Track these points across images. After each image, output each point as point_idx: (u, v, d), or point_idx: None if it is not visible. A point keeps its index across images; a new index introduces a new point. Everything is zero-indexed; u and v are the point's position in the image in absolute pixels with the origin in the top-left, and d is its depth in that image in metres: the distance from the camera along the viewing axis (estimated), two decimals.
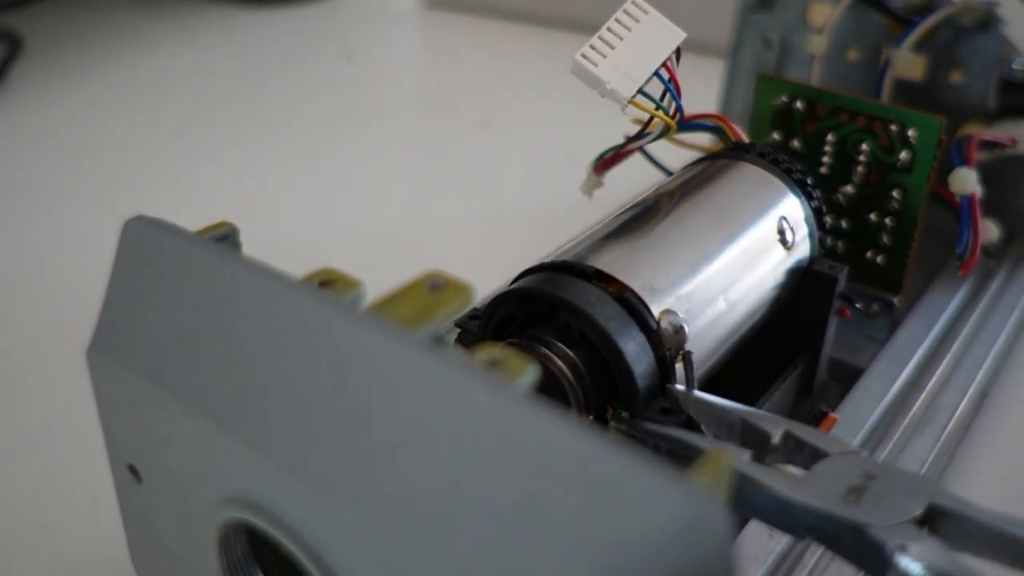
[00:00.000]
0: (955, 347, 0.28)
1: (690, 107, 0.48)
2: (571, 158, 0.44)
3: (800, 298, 0.25)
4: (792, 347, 0.25)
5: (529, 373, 0.15)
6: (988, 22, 0.30)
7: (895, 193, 0.28)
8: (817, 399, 0.26)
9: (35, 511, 0.24)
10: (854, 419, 0.25)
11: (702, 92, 0.44)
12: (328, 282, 0.17)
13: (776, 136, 0.29)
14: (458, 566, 0.12)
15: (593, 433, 0.13)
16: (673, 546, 0.12)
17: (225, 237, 0.18)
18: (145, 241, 0.17)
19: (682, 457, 0.18)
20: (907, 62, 0.30)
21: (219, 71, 0.52)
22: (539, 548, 0.12)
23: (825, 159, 0.29)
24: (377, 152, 0.43)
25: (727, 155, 0.25)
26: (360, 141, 0.45)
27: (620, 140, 0.30)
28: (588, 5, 0.56)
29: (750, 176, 0.25)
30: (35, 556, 0.23)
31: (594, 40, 0.22)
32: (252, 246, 0.18)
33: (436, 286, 0.16)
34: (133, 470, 0.18)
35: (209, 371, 0.16)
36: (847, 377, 0.27)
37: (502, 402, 0.13)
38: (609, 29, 0.23)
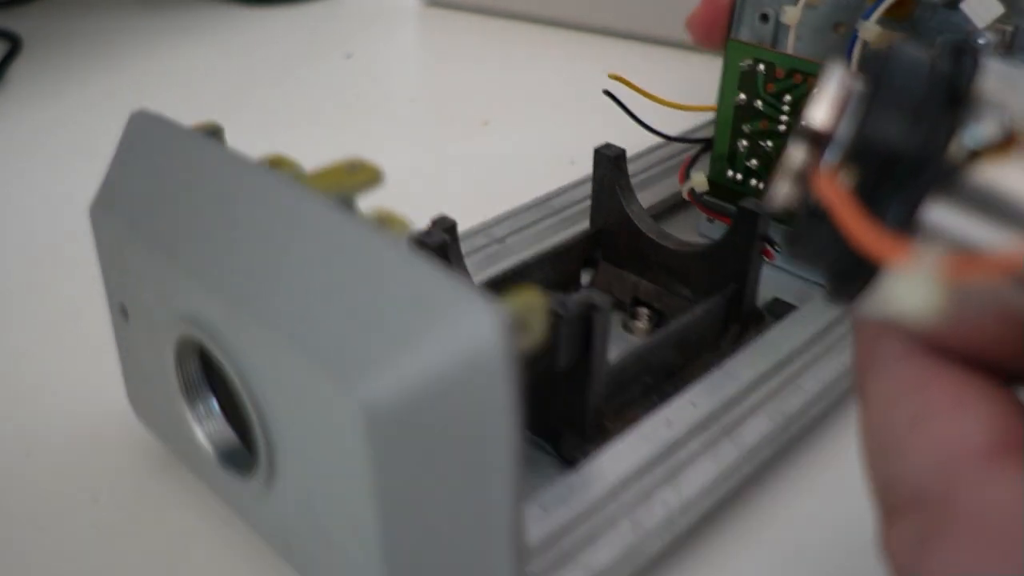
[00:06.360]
0: None
1: (698, 96, 0.49)
2: (569, 157, 0.45)
3: (730, 231, 0.28)
4: (724, 275, 0.28)
5: (406, 231, 0.18)
6: None
7: None
8: (747, 326, 0.29)
9: (35, 511, 0.24)
10: (774, 345, 0.27)
11: (710, 84, 0.46)
12: (276, 163, 0.21)
13: (742, 96, 0.32)
14: (320, 350, 0.16)
15: (428, 263, 0.16)
16: (465, 356, 0.15)
17: (213, 133, 0.23)
18: (144, 128, 0.22)
19: None
20: (873, 35, 0.32)
21: (219, 71, 0.53)
22: (374, 333, 0.16)
23: (783, 117, 0.31)
24: (376, 150, 0.44)
25: None
26: (359, 139, 0.46)
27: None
28: (588, 4, 0.56)
29: None
30: (35, 556, 0.23)
31: None
32: None
33: (353, 167, 0.20)
34: (123, 310, 0.22)
35: (172, 221, 0.20)
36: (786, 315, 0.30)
37: (373, 243, 0.17)
38: None
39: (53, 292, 0.33)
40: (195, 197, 0.20)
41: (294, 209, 0.18)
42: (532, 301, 0.17)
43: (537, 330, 0.17)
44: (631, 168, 0.36)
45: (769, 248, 0.28)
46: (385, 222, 0.18)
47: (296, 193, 0.18)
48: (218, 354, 0.19)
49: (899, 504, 0.14)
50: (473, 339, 0.16)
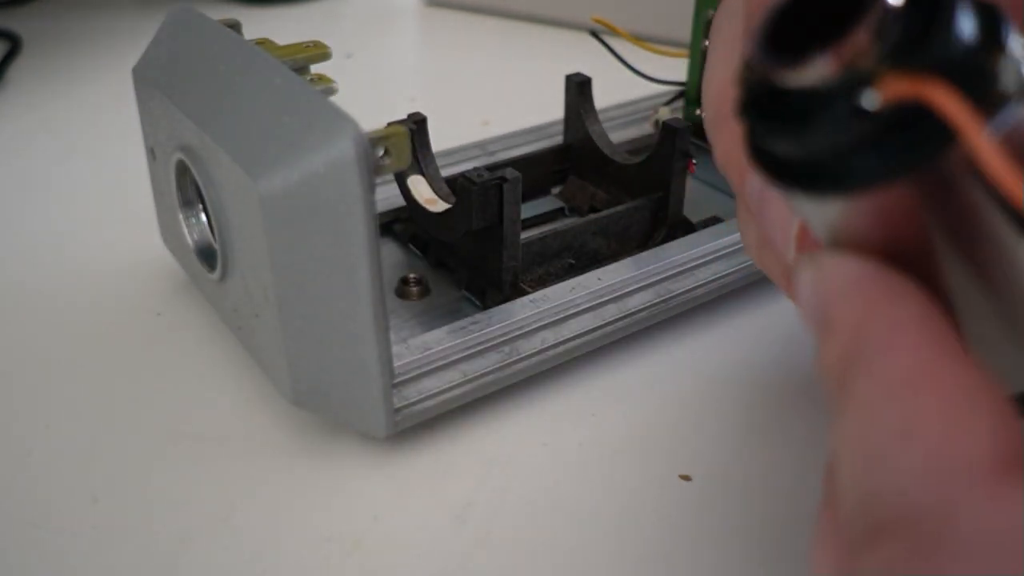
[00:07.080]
0: None
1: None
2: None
3: (657, 146, 0.33)
4: (654, 185, 0.33)
5: (331, 86, 0.25)
6: None
7: None
8: (675, 232, 0.34)
9: (35, 511, 0.25)
10: (686, 244, 0.32)
11: None
12: (260, 42, 0.28)
13: (706, 42, 0.37)
14: (244, 157, 0.23)
15: (327, 102, 0.22)
16: (334, 162, 0.22)
17: (232, 25, 0.30)
18: (179, 17, 0.29)
19: None
20: None
21: None
22: (277, 145, 0.22)
23: None
24: None
25: None
26: None
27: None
28: (588, 4, 0.54)
29: None
30: (35, 556, 0.23)
31: None
32: None
33: (308, 45, 0.26)
34: (152, 151, 0.29)
35: (184, 79, 0.27)
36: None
37: (292, 88, 0.23)
38: None
39: (49, 293, 0.34)
40: (201, 63, 0.27)
41: (254, 68, 0.25)
42: (394, 130, 0.23)
43: (401, 156, 0.23)
44: (621, 111, 0.42)
45: (692, 163, 0.33)
46: (315, 80, 0.25)
47: (259, 58, 0.25)
48: (194, 171, 0.26)
49: (885, 522, 0.13)
50: (341, 151, 0.22)
